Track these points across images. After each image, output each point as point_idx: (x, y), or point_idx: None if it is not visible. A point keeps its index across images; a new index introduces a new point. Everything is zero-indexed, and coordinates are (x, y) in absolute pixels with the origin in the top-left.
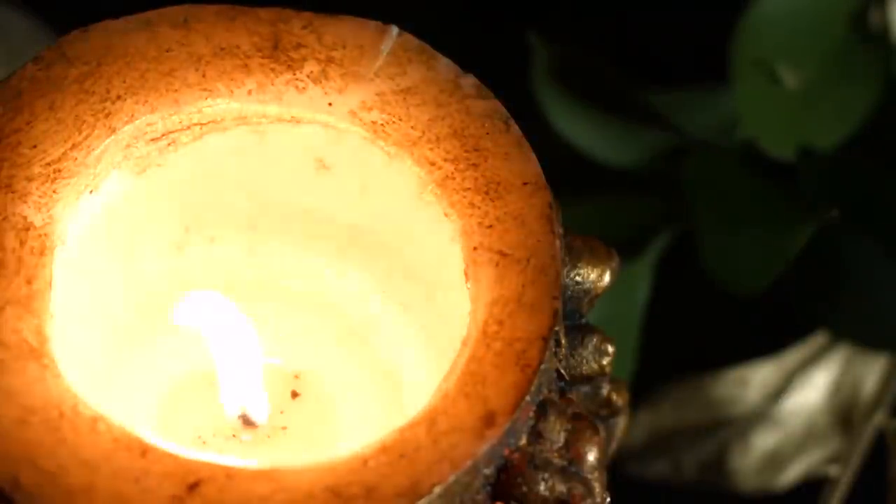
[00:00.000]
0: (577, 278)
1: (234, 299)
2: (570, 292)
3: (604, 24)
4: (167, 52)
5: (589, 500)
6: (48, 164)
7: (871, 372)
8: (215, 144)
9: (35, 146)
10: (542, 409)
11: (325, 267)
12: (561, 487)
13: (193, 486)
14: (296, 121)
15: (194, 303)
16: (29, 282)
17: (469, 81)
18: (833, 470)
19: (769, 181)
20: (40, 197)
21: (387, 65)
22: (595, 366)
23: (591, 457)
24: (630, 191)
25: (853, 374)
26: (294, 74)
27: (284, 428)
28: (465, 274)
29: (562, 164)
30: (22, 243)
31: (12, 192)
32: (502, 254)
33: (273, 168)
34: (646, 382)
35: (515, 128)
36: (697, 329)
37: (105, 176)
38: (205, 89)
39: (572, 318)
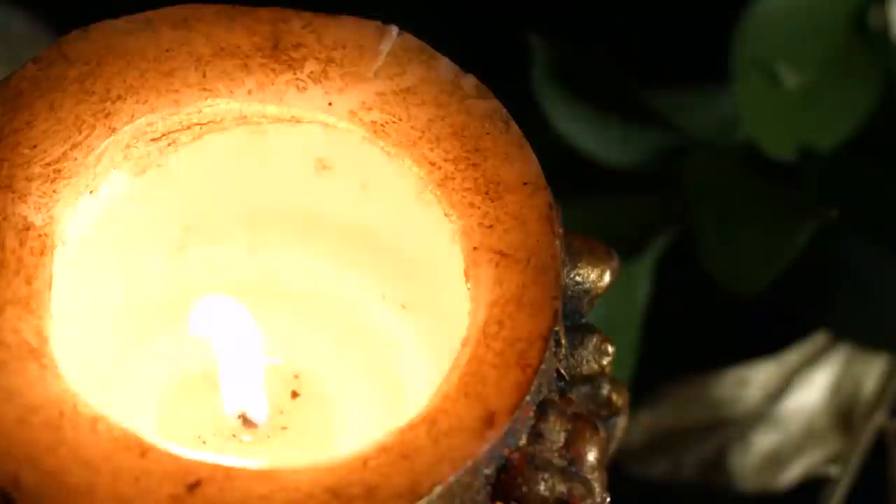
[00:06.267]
0: (577, 278)
1: (234, 299)
2: (570, 292)
3: (604, 24)
4: (167, 52)
5: (589, 500)
6: (48, 164)
7: (871, 372)
8: (215, 144)
9: (35, 146)
10: (542, 409)
11: (325, 267)
12: (561, 487)
13: (193, 486)
14: (296, 121)
15: (204, 309)
16: (29, 282)
17: (469, 81)
18: (833, 470)
19: (769, 181)
20: (40, 197)
21: (387, 65)
22: (595, 366)
23: (591, 457)
24: (630, 191)
25: (853, 374)
26: (294, 74)
27: (284, 428)
28: (465, 274)
29: (562, 164)
30: (22, 243)
31: (12, 192)
32: (502, 254)
33: (273, 168)
34: (646, 382)
35: (515, 128)
36: (697, 329)
37: (105, 176)
38: (205, 89)
39: (572, 318)
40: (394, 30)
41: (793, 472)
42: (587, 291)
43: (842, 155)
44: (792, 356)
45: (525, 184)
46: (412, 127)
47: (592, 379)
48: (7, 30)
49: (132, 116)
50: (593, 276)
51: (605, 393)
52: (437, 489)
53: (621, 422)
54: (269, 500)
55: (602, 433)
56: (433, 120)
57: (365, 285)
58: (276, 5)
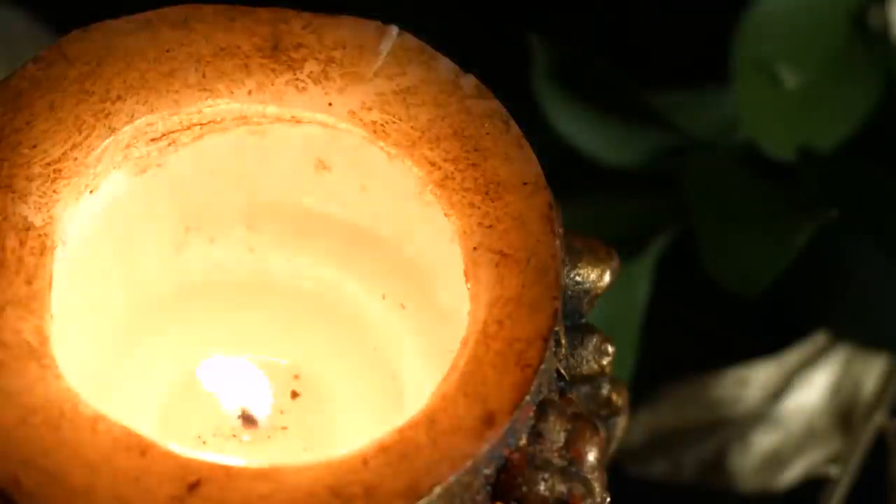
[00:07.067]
0: (577, 278)
1: (233, 299)
2: (570, 292)
3: (604, 24)
4: (167, 52)
5: (589, 500)
6: (48, 164)
7: (871, 372)
8: (215, 144)
9: (35, 146)
10: (542, 409)
11: (324, 266)
12: (561, 487)
13: (193, 486)
14: (296, 121)
15: (213, 367)
16: (29, 282)
17: (469, 81)
18: (833, 470)
19: (769, 181)
20: (40, 197)
21: (387, 65)
22: (595, 366)
23: (591, 457)
24: (630, 191)
25: (853, 374)
26: (294, 74)
27: (284, 428)
28: (465, 274)
29: (562, 164)
30: (22, 243)
31: (12, 192)
32: (502, 254)
33: (273, 168)
34: (646, 382)
35: (515, 128)
36: (697, 329)
37: (105, 176)
38: (205, 89)
39: (572, 318)
40: (394, 30)
41: (793, 472)
42: (587, 291)
43: (842, 155)
44: (792, 356)
45: (525, 184)
46: (412, 127)
47: (592, 379)
48: (7, 30)
49: (132, 116)
50: (593, 276)
51: (605, 393)
52: (437, 489)
53: (621, 422)
54: (269, 500)
55: (602, 433)
56: (433, 120)
57: (365, 285)
58: (276, 5)
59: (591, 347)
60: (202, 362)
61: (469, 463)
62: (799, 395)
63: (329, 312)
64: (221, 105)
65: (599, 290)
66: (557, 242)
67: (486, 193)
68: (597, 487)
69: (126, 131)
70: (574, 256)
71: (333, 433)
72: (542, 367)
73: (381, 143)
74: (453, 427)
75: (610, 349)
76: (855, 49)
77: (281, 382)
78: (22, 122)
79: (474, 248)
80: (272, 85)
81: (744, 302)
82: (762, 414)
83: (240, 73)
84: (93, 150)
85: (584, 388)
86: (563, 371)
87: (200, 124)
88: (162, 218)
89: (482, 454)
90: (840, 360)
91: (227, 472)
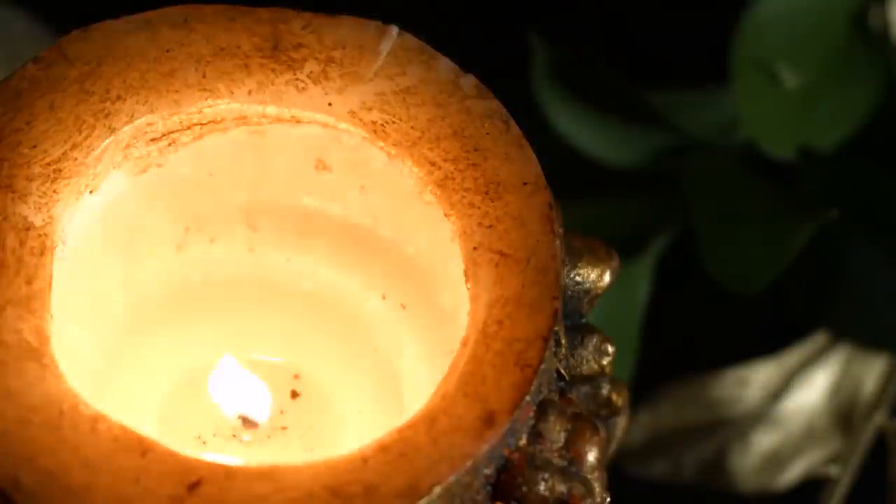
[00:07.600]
0: (577, 278)
1: (233, 299)
2: (570, 292)
3: (604, 24)
4: (167, 52)
5: (589, 500)
6: (48, 164)
7: (871, 372)
8: (215, 144)
9: (35, 146)
10: (542, 409)
11: (324, 266)
12: (561, 487)
13: (193, 486)
14: (296, 121)
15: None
16: (29, 282)
17: (469, 81)
18: (833, 470)
19: (769, 181)
20: (40, 197)
21: (387, 65)
22: (595, 366)
23: (591, 457)
24: (630, 191)
25: (853, 374)
26: (294, 74)
27: (284, 428)
28: (465, 274)
29: (562, 164)
30: (22, 243)
31: (12, 192)
32: (502, 254)
33: (273, 168)
34: (646, 382)
35: (515, 128)
36: (697, 329)
37: (105, 176)
38: (205, 89)
39: (572, 318)
40: (394, 30)
41: (793, 472)
42: (587, 291)
43: (842, 155)
44: (792, 356)
45: (525, 184)
46: (412, 127)
47: (592, 379)
48: (7, 30)
49: (132, 116)
50: (593, 276)
51: (605, 393)
52: (437, 489)
53: (621, 422)
54: (269, 500)
55: (602, 433)
56: (433, 120)
57: (365, 285)
58: (276, 5)
59: (591, 347)
60: (202, 362)
61: (469, 463)
62: (799, 395)
63: (329, 312)
64: (221, 105)
65: (599, 290)
66: (557, 242)
67: (486, 193)
68: (597, 487)
69: (126, 131)
70: (574, 256)
71: (333, 433)
72: (542, 367)
73: (381, 143)
74: (453, 427)
75: (610, 349)
76: (855, 49)
77: (281, 382)
78: (22, 122)
79: (474, 248)
80: (272, 85)
81: (744, 302)
82: (762, 414)
83: (240, 73)
84: (93, 150)
85: (584, 388)
86: (563, 371)
87: (200, 124)
88: (162, 218)
89: (482, 454)
90: (840, 360)
91: (227, 472)
